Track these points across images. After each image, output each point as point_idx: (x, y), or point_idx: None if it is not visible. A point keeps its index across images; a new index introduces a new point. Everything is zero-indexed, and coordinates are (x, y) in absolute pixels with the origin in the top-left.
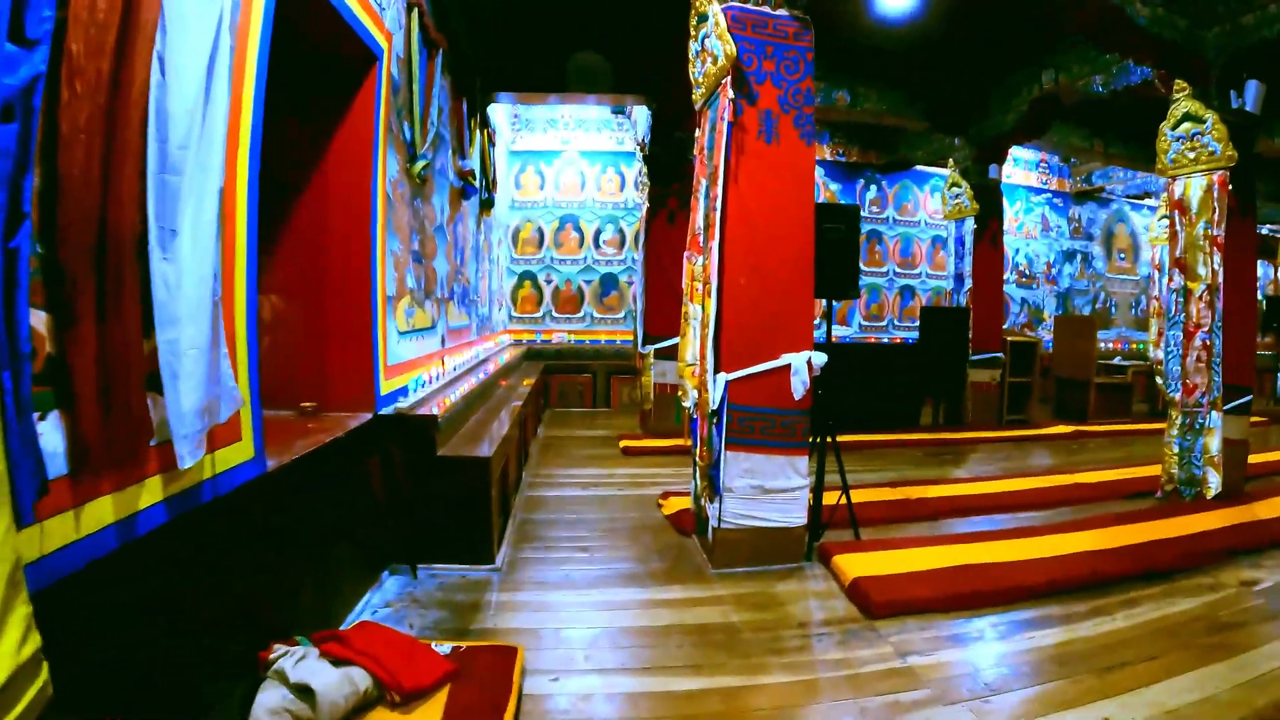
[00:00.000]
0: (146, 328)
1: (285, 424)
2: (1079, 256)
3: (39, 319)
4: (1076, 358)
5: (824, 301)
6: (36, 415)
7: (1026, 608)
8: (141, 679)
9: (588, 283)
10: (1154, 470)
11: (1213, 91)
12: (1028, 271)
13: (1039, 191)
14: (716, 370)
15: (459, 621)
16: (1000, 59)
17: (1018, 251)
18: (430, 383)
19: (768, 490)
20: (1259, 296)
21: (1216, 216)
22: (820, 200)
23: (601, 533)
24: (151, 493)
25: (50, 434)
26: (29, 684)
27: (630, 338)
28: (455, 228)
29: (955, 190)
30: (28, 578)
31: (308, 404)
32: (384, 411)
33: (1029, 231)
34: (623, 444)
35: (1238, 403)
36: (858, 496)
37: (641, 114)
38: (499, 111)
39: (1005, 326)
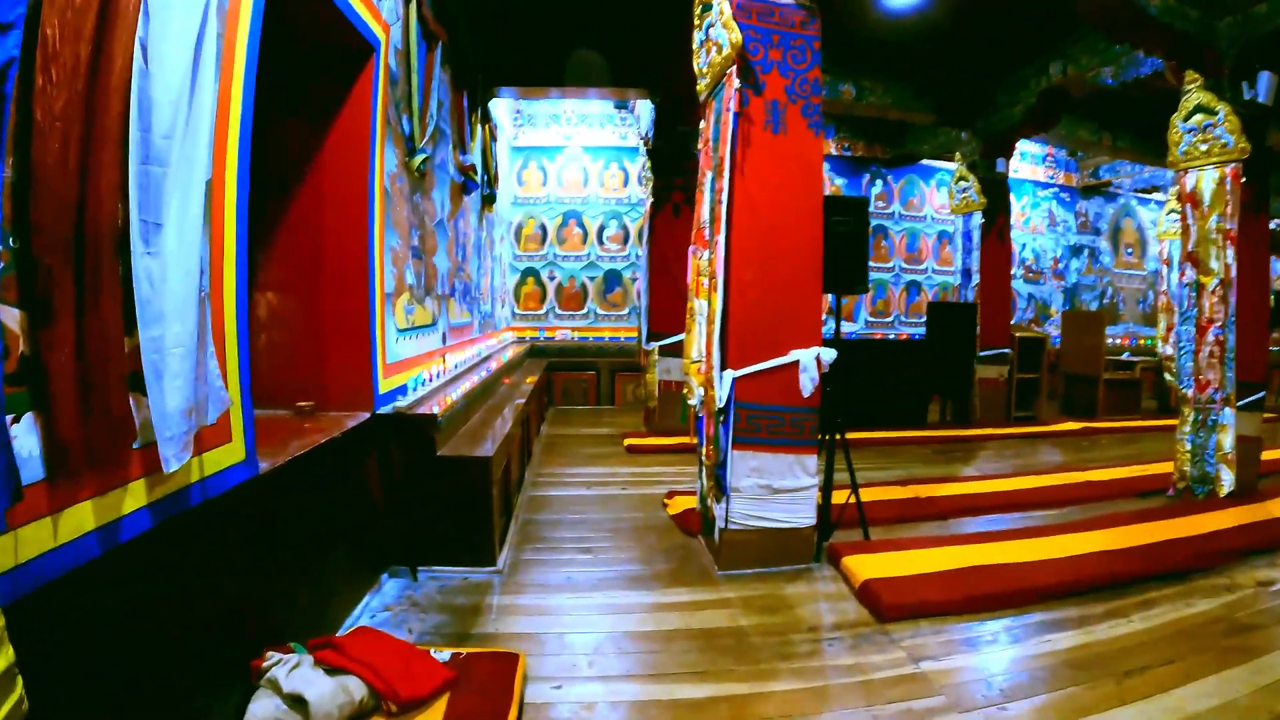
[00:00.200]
0: (128, 325)
1: (281, 424)
2: (1086, 251)
3: (12, 316)
4: (1085, 353)
5: (831, 297)
6: (10, 417)
7: (1041, 610)
8: (129, 690)
9: (591, 279)
10: (1165, 468)
11: (1225, 83)
12: (1035, 266)
13: (1046, 186)
14: (723, 367)
15: (459, 626)
16: (1008, 51)
17: (1024, 246)
18: (431, 381)
19: (776, 490)
20: (1272, 291)
21: (1229, 210)
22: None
23: (605, 533)
24: (136, 497)
25: (25, 437)
26: (2, 700)
27: (634, 334)
28: (456, 223)
29: (962, 184)
30: (1, 589)
31: (305, 403)
32: (382, 410)
33: (1036, 226)
34: (627, 442)
35: (1251, 399)
36: (866, 495)
37: (644, 108)
38: (501, 107)
39: (1012, 322)
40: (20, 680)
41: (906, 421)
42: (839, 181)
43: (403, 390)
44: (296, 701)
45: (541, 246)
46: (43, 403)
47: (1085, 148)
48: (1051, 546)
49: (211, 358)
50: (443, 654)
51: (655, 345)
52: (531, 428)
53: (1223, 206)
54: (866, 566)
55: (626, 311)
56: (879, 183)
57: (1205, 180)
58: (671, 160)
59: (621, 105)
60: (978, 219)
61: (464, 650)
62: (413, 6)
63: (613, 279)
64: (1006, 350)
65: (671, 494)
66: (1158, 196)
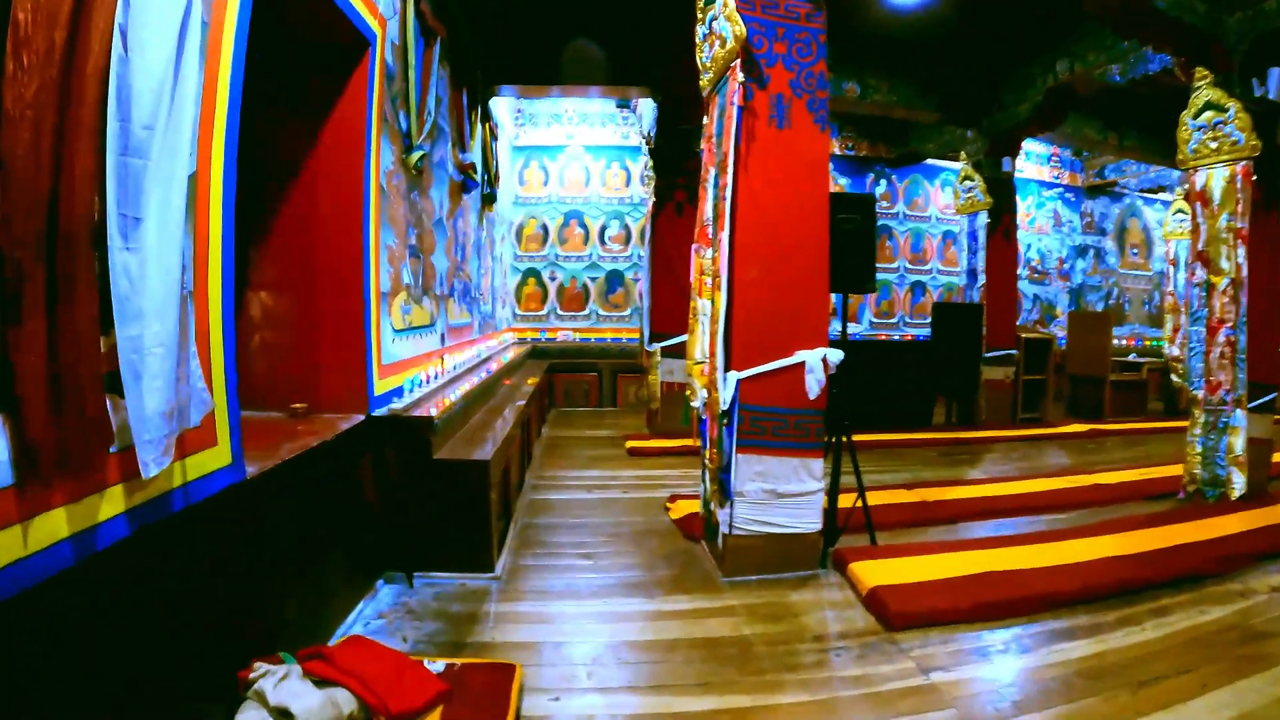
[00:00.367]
0: (105, 323)
1: (273, 426)
2: (1092, 252)
3: None
4: (1091, 354)
5: (836, 296)
6: None
7: (1052, 618)
8: (109, 704)
9: (593, 280)
10: (1175, 470)
11: (1235, 79)
12: (1040, 267)
13: (1051, 186)
14: (727, 368)
15: (455, 634)
16: (1014, 48)
17: (1030, 247)
18: (428, 382)
19: (781, 494)
20: None
21: (1240, 208)
22: (832, 190)
23: (606, 538)
24: (113, 503)
25: None
26: None
27: (636, 335)
28: (455, 222)
29: (968, 183)
30: None
31: (299, 405)
32: (377, 413)
33: (1041, 227)
34: (629, 445)
35: (1263, 400)
36: (872, 499)
37: (647, 107)
38: (501, 106)
39: (1018, 323)
40: None
41: (912, 423)
42: (843, 181)
43: (398, 392)
44: (283, 715)
45: (543, 247)
46: (11, 405)
47: (1091, 147)
48: (1062, 552)
49: (194, 358)
50: (436, 665)
51: (658, 346)
52: (532, 430)
53: (1233, 205)
54: (873, 573)
55: (628, 312)
56: (883, 182)
57: (1215, 178)
58: (674, 159)
59: (623, 104)
60: (983, 219)
61: (458, 661)
62: (410, 1)
63: (615, 279)
64: (1013, 351)
65: (674, 498)
66: (1163, 196)
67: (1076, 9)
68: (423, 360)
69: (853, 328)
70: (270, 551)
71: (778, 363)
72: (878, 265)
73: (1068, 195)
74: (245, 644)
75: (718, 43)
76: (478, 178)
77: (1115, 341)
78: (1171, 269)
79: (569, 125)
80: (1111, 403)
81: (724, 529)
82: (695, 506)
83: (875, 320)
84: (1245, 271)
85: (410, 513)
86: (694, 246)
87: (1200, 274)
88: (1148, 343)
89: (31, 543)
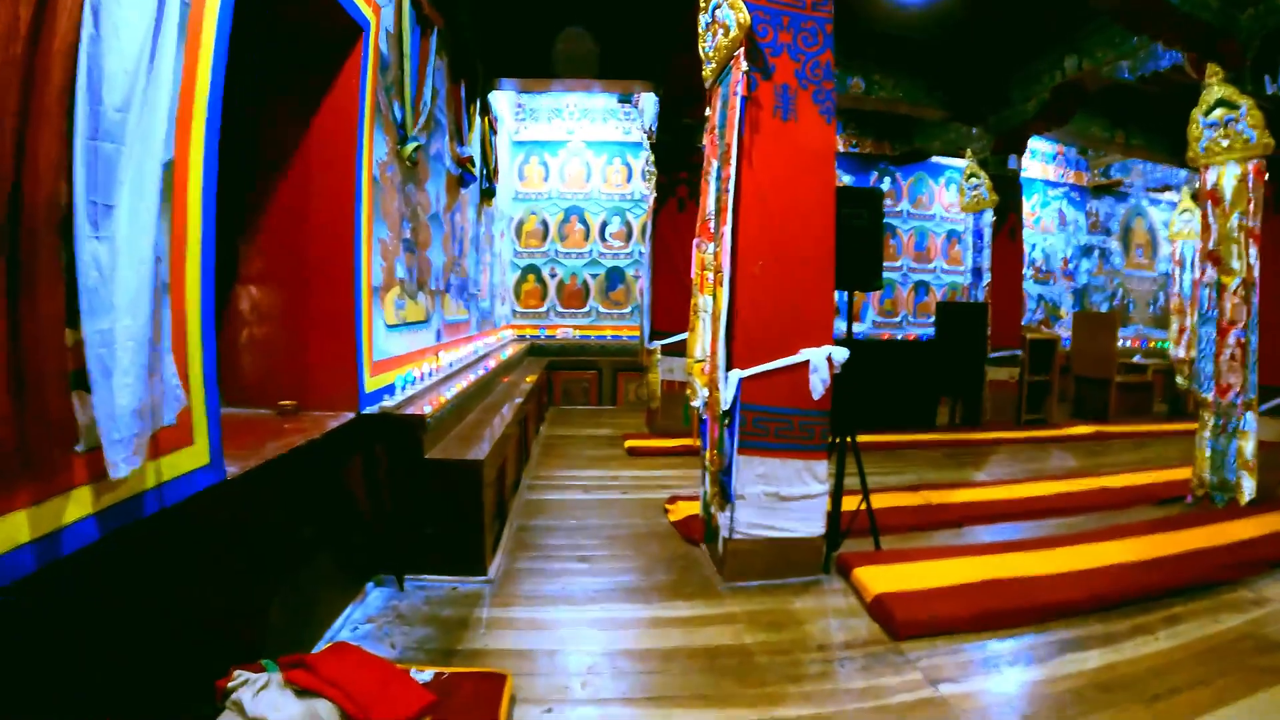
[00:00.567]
0: (71, 316)
1: (260, 424)
2: (1096, 252)
3: None
4: (1096, 355)
5: (840, 294)
6: None
7: (1063, 627)
8: (75, 715)
9: (593, 276)
10: (1182, 474)
11: (1247, 76)
12: (1044, 267)
13: (1056, 185)
14: (728, 367)
15: (445, 641)
16: (1022, 44)
17: (1034, 246)
18: (422, 380)
19: (784, 497)
20: None
21: (1252, 208)
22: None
23: (604, 541)
24: (80, 506)
25: None
26: None
27: (637, 333)
28: (453, 217)
29: (974, 181)
30: None
31: (287, 402)
32: (368, 411)
33: (1046, 226)
34: (628, 444)
35: (1274, 403)
36: (876, 501)
37: (649, 102)
38: (502, 100)
39: (1022, 323)
40: None
41: (915, 424)
42: (846, 178)
43: (390, 389)
44: None
45: (543, 243)
46: None
47: (1098, 145)
48: (1071, 558)
49: (168, 353)
50: (424, 674)
51: (658, 344)
52: (530, 428)
53: (1245, 204)
54: (878, 579)
55: (629, 310)
56: (887, 180)
57: (1227, 177)
58: (676, 154)
59: (625, 99)
60: (988, 217)
61: (447, 670)
62: None
63: (615, 276)
64: (1017, 352)
65: (673, 499)
66: (1169, 196)
67: (1085, 4)
68: (417, 357)
69: (856, 326)
70: (253, 555)
71: (781, 361)
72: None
73: (1073, 194)
74: (226, 651)
75: (720, 31)
76: (476, 172)
77: (1120, 343)
78: (1177, 270)
79: (570, 120)
80: (1117, 404)
81: (724, 533)
82: (695, 508)
83: (878, 319)
84: (1257, 272)
85: (401, 514)
86: (695, 241)
87: (1211, 274)
88: (1152, 344)
89: None
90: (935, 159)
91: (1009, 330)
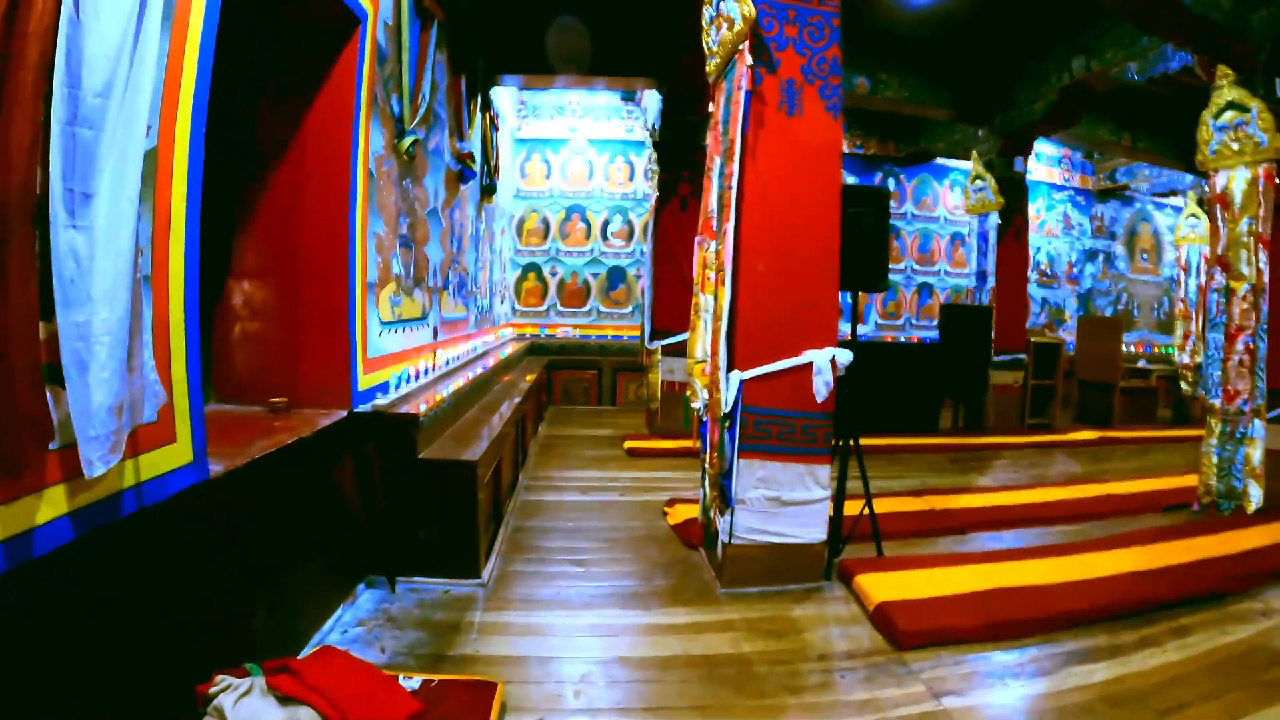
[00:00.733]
0: (46, 309)
1: (250, 421)
2: (1101, 256)
3: None
4: (1101, 360)
5: (844, 295)
6: None
7: (1069, 638)
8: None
9: (594, 275)
10: (1188, 481)
11: (1258, 79)
12: (1049, 271)
13: (1061, 188)
14: (730, 368)
15: (436, 645)
16: (1029, 44)
17: (1039, 250)
18: (418, 378)
19: (785, 502)
20: None
21: (1262, 212)
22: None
23: (601, 544)
24: (53, 505)
25: None
26: None
27: (638, 333)
28: (451, 213)
29: (979, 183)
30: None
31: (279, 400)
32: (360, 409)
33: (1050, 229)
34: (627, 445)
35: None
36: (878, 506)
37: (651, 99)
38: (504, 97)
39: (1026, 327)
40: None
41: (918, 427)
42: (850, 180)
43: (384, 387)
44: None
45: (544, 241)
46: None
47: (1105, 148)
48: (1076, 566)
49: (147, 348)
50: (412, 681)
51: (658, 344)
52: (528, 428)
53: (1255, 208)
54: (881, 587)
55: (630, 309)
56: (891, 182)
57: (1236, 181)
58: (678, 152)
59: (629, 97)
60: (993, 219)
61: (436, 677)
62: None
63: (616, 276)
64: (1022, 356)
65: (672, 501)
66: (1175, 201)
67: (1094, 4)
68: (413, 355)
69: (859, 329)
70: (239, 556)
71: (784, 363)
72: None
73: (1078, 198)
74: (210, 655)
75: (725, 25)
76: (476, 168)
77: (1124, 348)
78: (1183, 275)
79: (572, 118)
80: (1121, 410)
81: (724, 537)
82: (694, 511)
83: (881, 321)
84: (1266, 277)
85: (393, 515)
86: (697, 239)
87: (1219, 279)
88: (1157, 349)
89: None
90: (940, 160)
91: (1013, 334)
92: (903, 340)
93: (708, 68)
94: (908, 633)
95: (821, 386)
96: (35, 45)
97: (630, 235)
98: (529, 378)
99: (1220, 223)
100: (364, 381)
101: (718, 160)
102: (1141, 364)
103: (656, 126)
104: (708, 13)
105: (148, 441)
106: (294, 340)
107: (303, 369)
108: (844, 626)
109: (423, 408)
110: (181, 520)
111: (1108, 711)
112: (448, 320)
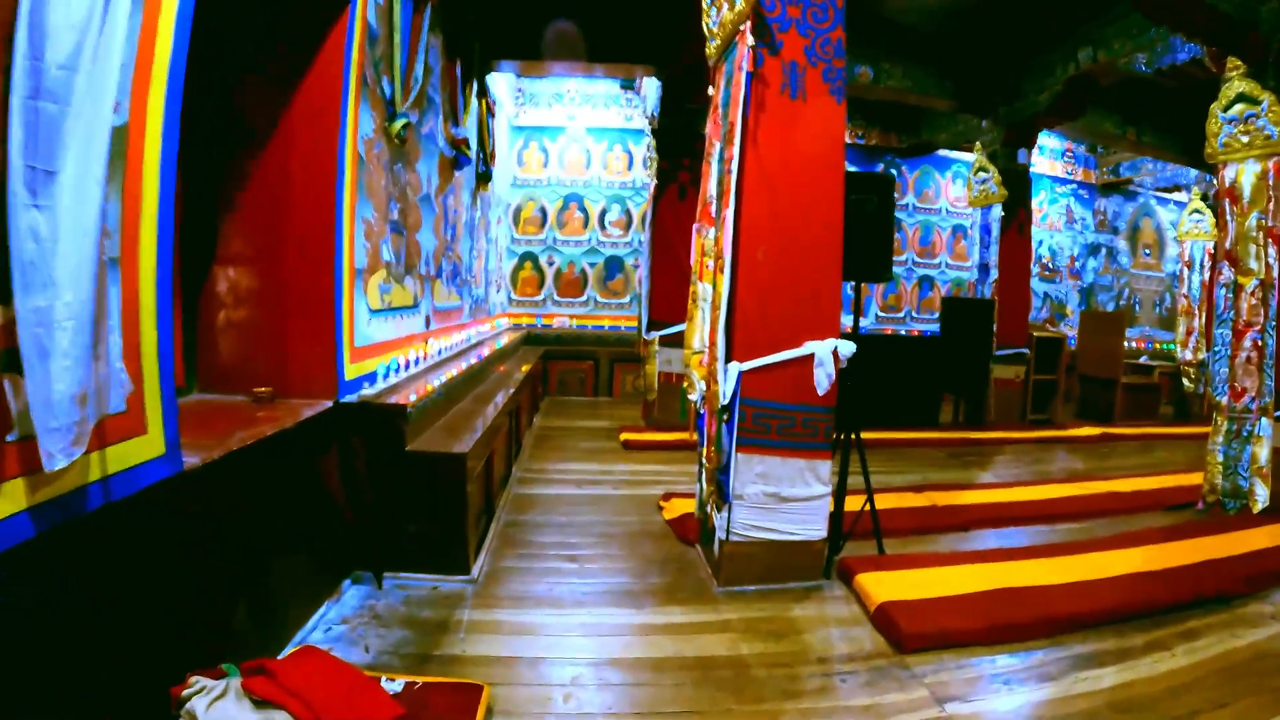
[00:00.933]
0: (4, 292)
1: (232, 412)
2: (1104, 251)
3: None
4: (1103, 355)
5: (846, 285)
6: None
7: (1076, 641)
8: None
9: (592, 265)
10: (1192, 479)
11: (1269, 70)
12: (1051, 264)
13: (1064, 182)
14: (728, 359)
15: (422, 645)
16: (1035, 34)
17: (1041, 243)
18: (408, 367)
19: (784, 498)
20: None
21: (1272, 206)
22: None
23: (594, 539)
24: (11, 500)
25: None
26: None
27: (635, 323)
28: (445, 200)
29: (982, 175)
30: None
31: (263, 390)
32: (347, 399)
33: (1053, 223)
34: (623, 437)
35: None
36: (879, 502)
37: (651, 87)
38: (501, 84)
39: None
40: None
41: (918, 422)
42: (851, 170)
43: (370, 377)
44: None
45: (541, 230)
46: None
47: (1110, 141)
48: (1081, 567)
49: (113, 333)
50: (394, 684)
51: (656, 335)
52: (522, 419)
53: (1264, 202)
54: (882, 587)
55: (628, 299)
56: (892, 173)
57: (1246, 174)
58: (678, 140)
59: (627, 85)
60: (996, 212)
61: (420, 679)
62: None
63: (614, 265)
64: (1024, 350)
65: (668, 496)
66: (1178, 196)
67: None
68: (404, 344)
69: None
70: (217, 552)
71: (784, 354)
72: None
73: (1081, 192)
74: (187, 655)
75: (725, 5)
76: (471, 154)
77: (1126, 343)
78: (1186, 270)
79: (571, 106)
80: (1122, 406)
81: (721, 534)
82: (691, 506)
83: (881, 314)
84: (1276, 272)
85: (381, 508)
86: (695, 226)
87: (1227, 274)
88: (1158, 345)
89: None
90: (942, 152)
91: (1016, 328)
92: (903, 333)
93: (707, 50)
94: (910, 635)
95: (823, 379)
96: None
97: (628, 224)
98: (524, 368)
99: (1229, 217)
100: (351, 371)
101: (717, 145)
102: (1144, 360)
103: (655, 114)
104: None
105: (116, 433)
106: (279, 328)
107: (288, 358)
108: (844, 628)
109: (412, 398)
110: (153, 515)
111: (1116, 719)
112: (441, 309)
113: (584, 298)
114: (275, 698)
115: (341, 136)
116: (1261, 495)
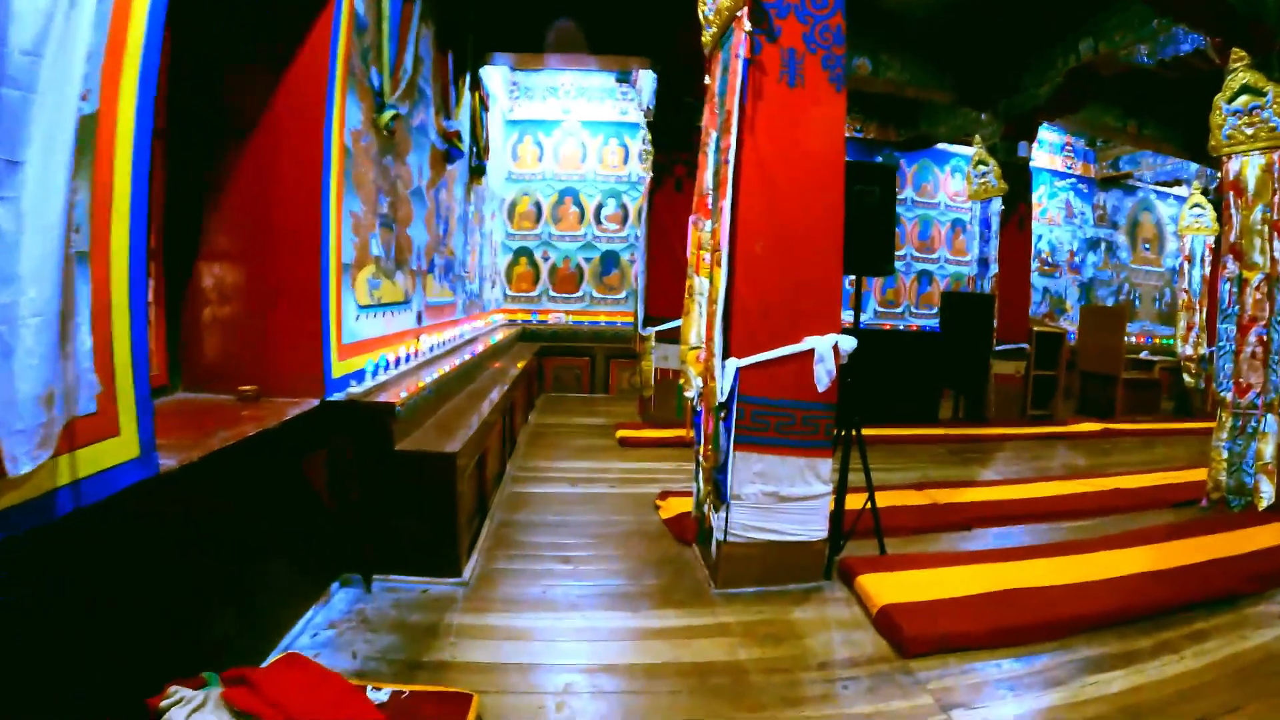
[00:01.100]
0: None
1: (215, 411)
2: (1103, 245)
3: None
4: (1104, 351)
5: (846, 279)
6: None
7: (1082, 644)
8: None
9: (587, 260)
10: (1196, 475)
11: (1274, 61)
12: (1050, 259)
13: (1063, 176)
14: (726, 355)
15: (411, 651)
16: (1035, 25)
17: (1040, 238)
18: (399, 364)
19: (784, 498)
20: None
21: (1277, 199)
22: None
23: (589, 539)
24: None
25: None
26: None
27: (631, 319)
28: (437, 193)
29: (982, 168)
30: None
31: (248, 388)
32: (334, 398)
33: (1052, 218)
34: (620, 434)
35: None
36: (880, 500)
37: (646, 80)
38: (495, 77)
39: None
40: None
41: (917, 418)
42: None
43: (359, 375)
44: None
45: (536, 225)
46: None
47: (1110, 135)
48: (1086, 566)
49: (81, 331)
50: (380, 693)
51: (652, 330)
52: (517, 417)
53: (1269, 195)
54: (884, 588)
55: (624, 295)
56: (895, 161)
57: (1250, 167)
58: (674, 133)
59: (623, 78)
60: (996, 206)
61: (407, 688)
62: None
63: (610, 260)
64: (1024, 345)
65: (665, 494)
66: (1178, 191)
67: None
68: (394, 340)
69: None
70: (198, 556)
71: (784, 350)
72: None
73: (1080, 186)
74: (168, 663)
75: None
76: (464, 147)
77: (1126, 339)
78: (1186, 265)
79: (566, 99)
80: (1123, 402)
81: (719, 535)
82: (688, 505)
83: (880, 309)
84: None
85: (370, 509)
86: (691, 218)
87: (1231, 268)
88: (1158, 340)
89: None
90: (941, 146)
91: (1016, 323)
92: (902, 328)
93: (704, 38)
94: (913, 638)
95: (823, 375)
96: None
97: (624, 219)
98: (519, 364)
99: (1233, 210)
100: (338, 368)
101: (714, 134)
102: (1144, 355)
103: (651, 107)
104: None
105: (86, 435)
106: (265, 325)
107: (273, 355)
108: (846, 631)
109: (402, 395)
110: (128, 519)
111: None
112: (433, 305)
113: (580, 293)
114: (255, 709)
115: (327, 128)
116: (1267, 492)
